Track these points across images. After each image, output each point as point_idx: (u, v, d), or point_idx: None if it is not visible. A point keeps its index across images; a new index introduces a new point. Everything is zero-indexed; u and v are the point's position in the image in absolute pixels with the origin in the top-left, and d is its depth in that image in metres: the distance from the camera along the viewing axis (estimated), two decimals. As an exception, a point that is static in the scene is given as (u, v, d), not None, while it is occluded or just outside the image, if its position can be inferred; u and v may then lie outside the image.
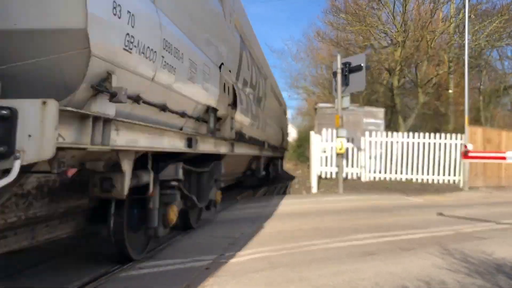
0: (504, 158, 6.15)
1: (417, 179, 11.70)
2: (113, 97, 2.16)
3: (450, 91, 19.05)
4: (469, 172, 11.27)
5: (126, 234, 3.26)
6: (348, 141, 11.28)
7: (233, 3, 5.75)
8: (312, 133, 11.46)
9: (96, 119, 2.07)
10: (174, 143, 3.38)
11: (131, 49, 2.29)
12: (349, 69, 9.39)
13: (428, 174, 11.69)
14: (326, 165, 11.80)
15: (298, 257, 3.66)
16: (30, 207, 2.52)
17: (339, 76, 9.43)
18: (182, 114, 3.54)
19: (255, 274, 3.15)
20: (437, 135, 11.81)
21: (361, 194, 9.46)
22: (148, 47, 2.51)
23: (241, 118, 6.10)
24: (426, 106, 19.49)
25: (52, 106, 1.66)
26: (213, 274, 3.17)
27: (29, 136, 1.63)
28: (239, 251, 3.90)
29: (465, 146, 7.13)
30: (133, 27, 2.28)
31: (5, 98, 1.70)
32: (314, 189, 10.18)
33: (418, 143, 11.73)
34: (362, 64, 9.29)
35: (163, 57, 2.77)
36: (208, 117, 4.32)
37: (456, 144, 11.56)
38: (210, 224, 5.64)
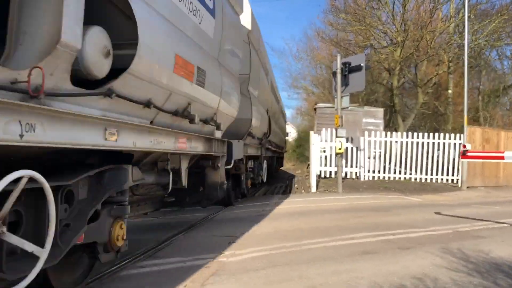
0: (502, 157, 6.16)
1: (415, 179, 11.72)
2: None
3: (450, 91, 19.07)
4: (467, 171, 11.30)
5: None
6: (347, 141, 11.31)
7: None
8: (311, 133, 11.48)
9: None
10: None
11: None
12: (348, 69, 9.38)
13: (426, 173, 11.70)
14: (326, 165, 11.83)
15: (297, 256, 3.69)
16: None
17: (338, 76, 9.44)
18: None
19: (255, 273, 3.18)
20: (436, 135, 11.82)
21: (360, 193, 9.49)
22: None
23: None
24: (425, 106, 19.53)
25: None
26: (213, 272, 3.19)
27: None
28: (239, 250, 3.93)
29: (464, 146, 7.16)
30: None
31: None
32: (314, 188, 10.21)
33: (417, 142, 11.75)
34: (362, 64, 9.28)
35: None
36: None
37: (455, 144, 11.57)
38: (211, 223, 5.67)
